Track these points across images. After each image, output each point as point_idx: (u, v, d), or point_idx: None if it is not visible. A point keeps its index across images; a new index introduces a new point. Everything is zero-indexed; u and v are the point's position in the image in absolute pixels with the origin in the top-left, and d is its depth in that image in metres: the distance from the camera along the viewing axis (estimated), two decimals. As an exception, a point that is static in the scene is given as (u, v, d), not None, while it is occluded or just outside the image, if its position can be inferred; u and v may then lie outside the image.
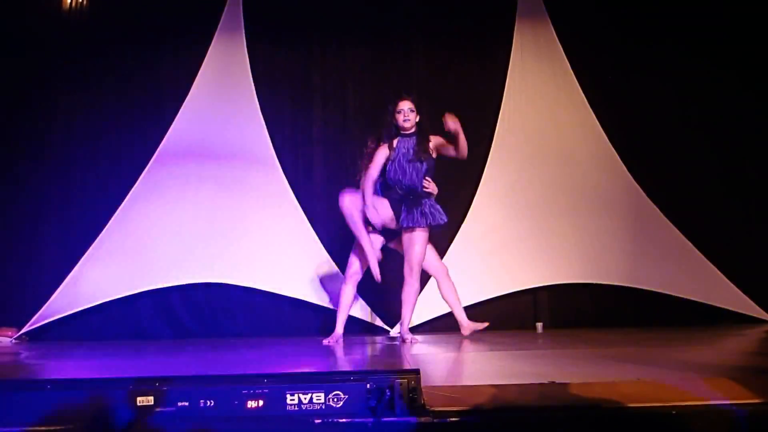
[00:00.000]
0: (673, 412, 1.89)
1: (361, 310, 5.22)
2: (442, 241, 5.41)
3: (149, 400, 1.92)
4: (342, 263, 5.23)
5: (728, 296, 5.21)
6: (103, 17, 5.65)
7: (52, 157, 5.52)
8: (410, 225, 4.16)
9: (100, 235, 5.24)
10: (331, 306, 5.23)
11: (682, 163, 5.44)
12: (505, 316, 5.25)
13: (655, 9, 5.51)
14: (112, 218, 5.27)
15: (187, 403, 1.93)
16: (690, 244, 5.27)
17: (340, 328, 4.31)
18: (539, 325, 5.21)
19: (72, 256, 5.22)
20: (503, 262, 5.28)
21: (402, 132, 4.24)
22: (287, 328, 5.31)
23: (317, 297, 5.26)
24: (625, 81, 5.54)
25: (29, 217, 5.44)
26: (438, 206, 4.25)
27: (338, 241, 5.33)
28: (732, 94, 5.44)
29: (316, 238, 5.34)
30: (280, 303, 5.34)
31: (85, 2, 5.70)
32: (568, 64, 5.56)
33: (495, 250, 5.30)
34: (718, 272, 5.23)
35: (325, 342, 4.18)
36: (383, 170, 4.23)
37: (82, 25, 5.63)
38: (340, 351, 3.76)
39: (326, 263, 5.31)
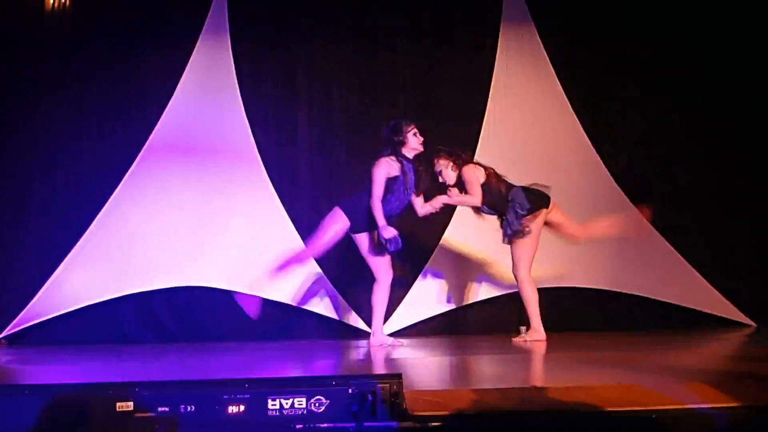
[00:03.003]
0: (653, 416, 1.90)
1: (344, 313, 5.22)
2: (426, 245, 5.43)
3: (129, 405, 1.91)
4: (325, 266, 5.24)
5: (710, 301, 5.27)
6: (86, 17, 5.59)
7: (33, 158, 5.45)
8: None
9: (82, 237, 5.18)
10: (314, 309, 5.22)
11: (666, 169, 5.49)
12: (489, 321, 5.26)
13: (641, 15, 5.55)
14: (94, 221, 5.21)
15: (167, 409, 1.91)
16: (672, 249, 5.32)
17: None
18: (523, 329, 5.22)
19: (53, 258, 5.16)
20: (487, 267, 5.30)
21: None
22: (270, 332, 5.29)
23: (301, 301, 5.24)
24: (609, 87, 5.58)
25: (10, 219, 5.37)
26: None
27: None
28: (715, 99, 5.48)
29: (301, 241, 5.31)
30: (264, 306, 5.31)
31: (67, 1, 5.64)
32: (553, 70, 5.59)
33: (479, 254, 5.31)
34: (700, 277, 5.28)
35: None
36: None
37: (65, 24, 5.57)
38: (322, 355, 3.76)
39: (310, 266, 5.28)
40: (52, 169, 5.47)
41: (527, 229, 4.25)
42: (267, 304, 5.28)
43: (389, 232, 4.07)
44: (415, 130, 4.21)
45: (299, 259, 4.44)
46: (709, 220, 5.41)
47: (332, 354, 3.84)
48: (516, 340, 4.42)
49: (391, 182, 4.12)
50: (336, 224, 4.22)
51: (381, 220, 4.09)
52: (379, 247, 4.21)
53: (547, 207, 4.32)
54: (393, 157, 4.14)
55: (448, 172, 4.39)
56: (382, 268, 4.31)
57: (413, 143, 4.18)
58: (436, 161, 4.41)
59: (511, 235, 4.28)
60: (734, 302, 5.27)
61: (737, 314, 5.26)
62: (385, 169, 4.12)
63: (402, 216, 4.42)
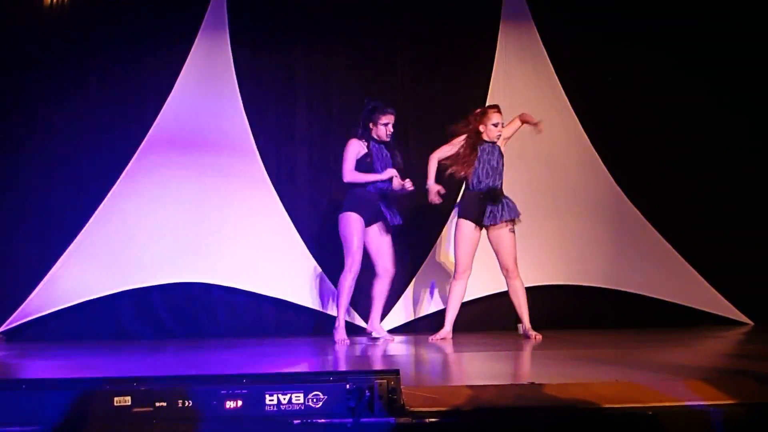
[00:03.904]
0: (650, 413, 1.91)
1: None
2: (424, 243, 5.43)
3: (126, 400, 1.91)
4: (324, 263, 5.25)
5: (707, 299, 5.28)
6: (85, 12, 5.57)
7: (31, 154, 5.44)
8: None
9: (80, 233, 5.17)
10: (312, 306, 5.23)
11: (663, 167, 5.49)
12: (487, 318, 5.27)
13: (639, 14, 5.54)
14: (92, 216, 5.21)
15: (164, 404, 1.91)
16: (670, 246, 5.33)
17: (449, 325, 4.46)
18: (520, 326, 5.22)
19: (51, 254, 5.15)
20: (485, 264, 5.28)
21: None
22: (268, 328, 5.30)
23: (299, 297, 5.25)
24: (609, 86, 5.58)
25: (7, 214, 5.36)
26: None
27: (321, 240, 5.33)
28: (715, 98, 5.48)
29: (299, 237, 5.32)
30: (262, 303, 5.32)
31: (66, -2, 5.62)
32: (552, 68, 5.59)
33: (476, 252, 5.31)
34: (698, 275, 5.29)
35: (432, 339, 4.38)
36: None
37: (63, 20, 5.55)
38: (320, 351, 3.76)
39: (308, 263, 5.29)
40: (51, 164, 5.45)
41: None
42: (265, 300, 5.31)
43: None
44: (389, 121, 4.40)
45: (345, 281, 4.37)
46: (707, 218, 5.41)
47: (330, 350, 3.85)
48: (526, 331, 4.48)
49: (363, 160, 4.34)
50: (353, 227, 4.31)
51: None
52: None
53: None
54: (363, 140, 4.39)
55: (499, 128, 4.50)
56: (387, 261, 4.44)
57: (381, 132, 4.39)
58: (495, 113, 4.51)
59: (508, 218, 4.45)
60: (732, 300, 5.28)
61: (735, 312, 5.27)
62: (355, 148, 4.37)
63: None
